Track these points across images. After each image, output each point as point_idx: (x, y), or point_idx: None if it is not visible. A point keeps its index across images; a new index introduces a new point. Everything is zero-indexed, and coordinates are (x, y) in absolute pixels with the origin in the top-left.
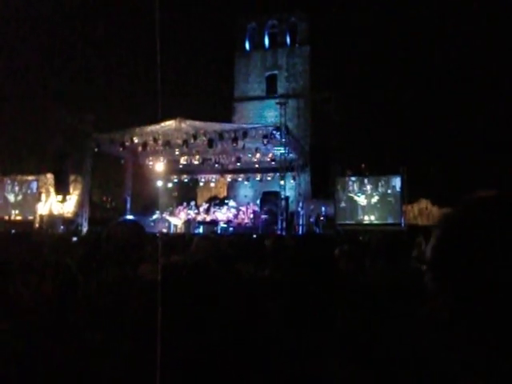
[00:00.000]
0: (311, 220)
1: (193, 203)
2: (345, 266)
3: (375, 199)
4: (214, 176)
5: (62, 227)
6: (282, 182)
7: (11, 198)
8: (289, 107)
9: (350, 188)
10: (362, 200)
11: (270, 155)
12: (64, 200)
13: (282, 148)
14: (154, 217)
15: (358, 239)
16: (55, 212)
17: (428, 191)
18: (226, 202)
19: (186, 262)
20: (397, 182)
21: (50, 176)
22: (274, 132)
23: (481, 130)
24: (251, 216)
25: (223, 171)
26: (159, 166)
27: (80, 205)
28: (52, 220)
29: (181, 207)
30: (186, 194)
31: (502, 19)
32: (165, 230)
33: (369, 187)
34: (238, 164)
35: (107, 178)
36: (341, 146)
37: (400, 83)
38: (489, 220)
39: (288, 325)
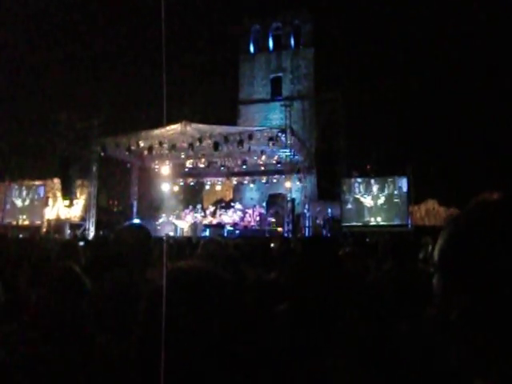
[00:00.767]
0: (317, 222)
1: (199, 206)
2: (350, 268)
3: (382, 200)
4: (220, 179)
5: (69, 232)
6: (287, 184)
7: (19, 203)
8: (294, 109)
9: (356, 189)
10: (368, 201)
11: (276, 157)
12: (71, 204)
13: (288, 150)
14: (161, 220)
15: (365, 241)
16: (62, 216)
17: (435, 191)
18: (232, 204)
19: (193, 266)
20: (403, 182)
21: (56, 181)
22: (280, 134)
23: (488, 129)
24: (257, 219)
25: (229, 174)
26: (165, 169)
27: (87, 209)
28: (59, 224)
29: (187, 210)
30: (192, 197)
31: (502, 19)
32: (171, 234)
33: (375, 188)
34: (244, 167)
35: (113, 182)
36: (346, 148)
37: (405, 84)
38: (497, 222)
39: (294, 327)
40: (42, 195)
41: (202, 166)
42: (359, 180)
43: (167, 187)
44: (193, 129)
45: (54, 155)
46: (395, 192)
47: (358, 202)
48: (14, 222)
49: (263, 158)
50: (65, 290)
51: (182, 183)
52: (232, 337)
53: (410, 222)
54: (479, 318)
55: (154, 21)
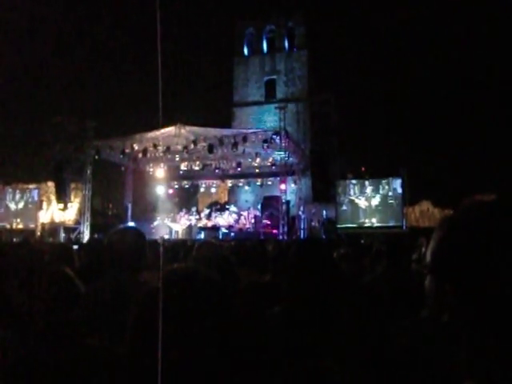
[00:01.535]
0: (312, 224)
1: (194, 209)
2: (345, 269)
3: (376, 202)
4: (215, 181)
5: (63, 235)
6: (282, 187)
7: (12, 206)
8: (288, 111)
9: (351, 191)
10: (363, 203)
11: (271, 160)
12: (65, 208)
13: (282, 152)
14: (155, 223)
15: (360, 242)
16: (56, 220)
17: (429, 193)
18: (227, 207)
19: (186, 268)
20: (398, 184)
21: (50, 184)
22: (274, 136)
23: (482, 131)
24: (252, 221)
25: (224, 176)
26: (160, 172)
27: (81, 212)
28: (53, 228)
29: (182, 213)
30: (186, 199)
31: (501, 20)
32: (166, 236)
33: (370, 190)
34: (239, 169)
35: (108, 185)
36: (341, 149)
37: (399, 85)
38: (488, 223)
39: (289, 328)
40: (36, 199)
41: (196, 168)
42: (354, 182)
43: (162, 190)
44: (187, 131)
45: (48, 158)
46: (390, 193)
47: (352, 203)
48: (8, 226)
49: (258, 160)
50: (57, 294)
51: (176, 186)
52: (225, 338)
53: (404, 223)
54: (470, 319)
55: (148, 24)
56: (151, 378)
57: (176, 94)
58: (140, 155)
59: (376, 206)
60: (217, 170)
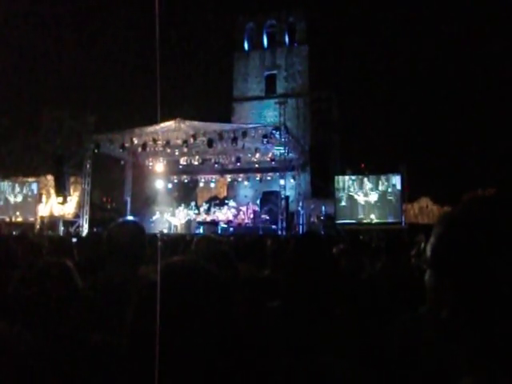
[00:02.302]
0: (311, 219)
1: (193, 203)
2: (344, 265)
3: (375, 198)
4: (214, 176)
5: (62, 228)
6: (281, 182)
7: (12, 199)
8: (288, 107)
9: (350, 187)
10: (362, 198)
11: (270, 155)
12: (64, 201)
13: (282, 148)
14: (155, 217)
15: (359, 238)
16: (56, 213)
17: (429, 189)
18: (226, 202)
19: (184, 261)
20: (397, 180)
21: (50, 177)
22: (274, 132)
23: (481, 127)
24: (251, 216)
25: (223, 171)
26: (159, 166)
27: (80, 206)
28: (52, 221)
29: (181, 208)
30: (186, 194)
31: (500, 20)
32: (165, 231)
33: (369, 186)
34: (238, 164)
35: (107, 179)
36: (340, 145)
37: (399, 81)
38: (488, 219)
39: (288, 323)
40: (35, 192)
41: (196, 163)
42: (353, 177)
43: (161, 184)
44: (187, 126)
45: (47, 152)
46: (389, 189)
47: (351, 199)
48: (7, 219)
49: (257, 155)
50: (57, 286)
51: (176, 180)
52: (224, 332)
53: (403, 219)
54: (469, 315)
55: (148, 18)
56: (150, 372)
57: (176, 88)
58: (139, 149)
59: (375, 202)
60: (216, 165)
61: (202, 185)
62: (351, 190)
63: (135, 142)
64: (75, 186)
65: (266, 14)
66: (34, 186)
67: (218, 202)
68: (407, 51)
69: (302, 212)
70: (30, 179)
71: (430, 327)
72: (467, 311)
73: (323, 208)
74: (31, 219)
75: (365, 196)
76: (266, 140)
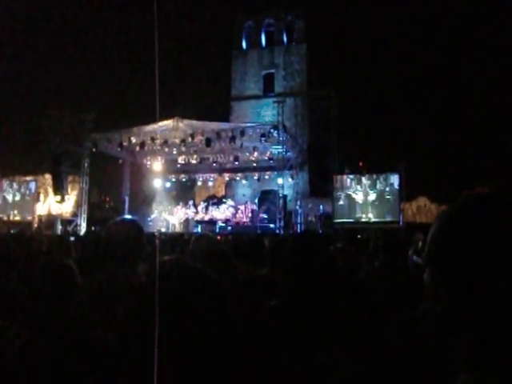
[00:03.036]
0: (309, 218)
1: (191, 202)
2: (342, 264)
3: (373, 197)
4: (212, 175)
5: (60, 227)
6: (279, 181)
7: (10, 198)
8: (286, 106)
9: (348, 186)
10: (360, 197)
11: (268, 154)
12: (62, 200)
13: (280, 146)
14: (153, 216)
15: (356, 237)
16: (54, 212)
17: (426, 189)
18: (224, 201)
19: (176, 261)
20: (395, 179)
21: (48, 176)
22: (272, 130)
23: (479, 126)
24: (249, 215)
25: (221, 170)
26: (157, 165)
27: (78, 205)
28: (50, 220)
29: (179, 206)
30: (184, 193)
31: (497, 21)
32: (163, 230)
33: (367, 184)
34: (236, 163)
35: (105, 178)
36: (339, 144)
37: (398, 80)
38: (484, 217)
39: (286, 322)
40: (33, 191)
41: (194, 162)
42: (351, 176)
43: (159, 183)
44: (185, 125)
45: (45, 151)
46: (387, 188)
47: (349, 198)
48: (5, 218)
49: (255, 154)
50: (57, 284)
51: (174, 179)
52: (219, 331)
53: (401, 218)
54: (465, 312)
55: (146, 16)
56: (143, 369)
57: (174, 87)
58: (138, 148)
59: (373, 201)
60: (214, 164)
61: (200, 184)
62: (349, 188)
63: (133, 140)
64: (73, 184)
65: (264, 13)
66: (32, 185)
67: (216, 200)
68: (406, 50)
69: (299, 211)
70: (28, 178)
71: (427, 325)
72: (463, 308)
73: (321, 207)
74: (29, 218)
75: (363, 195)
76: (264, 139)
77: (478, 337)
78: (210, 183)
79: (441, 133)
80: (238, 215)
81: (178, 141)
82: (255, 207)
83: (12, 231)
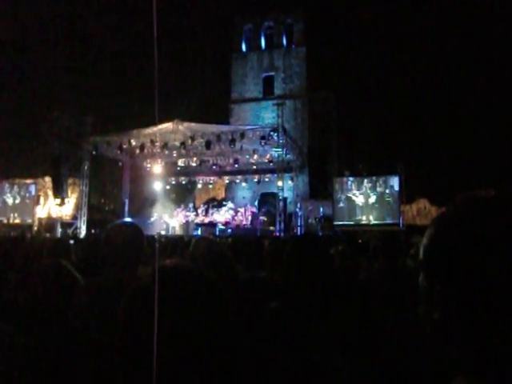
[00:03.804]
0: (309, 221)
1: (191, 205)
2: (341, 266)
3: (373, 199)
4: (212, 178)
5: (60, 230)
6: (279, 183)
7: (10, 201)
8: (286, 108)
9: (348, 188)
10: (360, 200)
11: (268, 156)
12: (62, 203)
13: (280, 149)
14: (152, 219)
15: (357, 240)
16: (54, 215)
17: (426, 191)
18: (224, 203)
19: (177, 264)
20: (395, 181)
21: (48, 179)
22: (272, 133)
23: (479, 128)
24: (249, 217)
25: (221, 173)
26: (157, 168)
27: (78, 208)
28: (50, 223)
29: (179, 209)
30: (184, 195)
31: (494, 21)
32: (163, 232)
33: (367, 187)
34: (236, 165)
35: (105, 180)
36: (338, 147)
37: (397, 83)
38: (480, 220)
39: (286, 324)
40: (33, 193)
41: (194, 164)
42: (351, 179)
43: (159, 186)
44: (185, 127)
45: (45, 153)
46: (387, 191)
47: (349, 200)
48: (5, 221)
49: (255, 156)
50: (56, 286)
51: (173, 182)
52: (218, 333)
53: (401, 221)
54: (460, 317)
55: (146, 19)
56: (143, 371)
57: (174, 90)
58: (137, 151)
59: (373, 203)
60: (214, 167)
61: (199, 186)
62: (349, 191)
63: (133, 143)
64: (73, 187)
65: (264, 16)
66: (32, 188)
67: (216, 203)
68: (405, 52)
69: (299, 213)
70: (28, 181)
71: (424, 328)
72: (458, 313)
73: (321, 209)
74: (29, 221)
75: (363, 197)
76: (263, 141)
77: (473, 342)
78: (210, 186)
79: (440, 135)
80: (237, 218)
81: (177, 143)
82: (255, 210)
83: (12, 234)
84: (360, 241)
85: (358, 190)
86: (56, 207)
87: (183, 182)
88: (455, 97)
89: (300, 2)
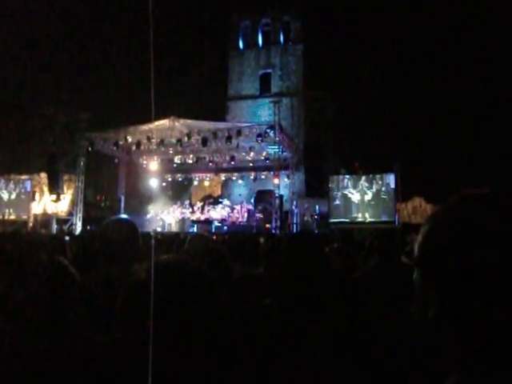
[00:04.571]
0: (305, 218)
1: (187, 202)
2: (336, 264)
3: (369, 196)
4: (209, 175)
5: (55, 226)
6: (276, 181)
7: (5, 197)
8: (283, 106)
9: (344, 186)
10: (355, 197)
11: (264, 154)
12: (58, 199)
13: (276, 146)
14: (148, 216)
15: (352, 237)
16: (49, 211)
17: (422, 189)
18: (220, 200)
19: (175, 259)
20: (391, 179)
21: (43, 175)
22: (268, 130)
23: (474, 127)
24: (245, 215)
25: (217, 170)
26: (153, 164)
27: (74, 204)
28: (46, 219)
29: (175, 206)
30: (180, 192)
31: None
32: (159, 229)
33: (363, 185)
34: (232, 163)
35: (101, 177)
36: (335, 144)
37: (394, 81)
38: (475, 218)
39: (280, 321)
40: (28, 189)
41: (190, 161)
42: (347, 176)
43: (155, 182)
44: (181, 124)
45: (41, 149)
46: (383, 188)
47: (345, 198)
48: (0, 217)
49: (252, 154)
50: (54, 283)
51: (170, 179)
52: (213, 329)
53: (397, 219)
54: (454, 315)
55: (142, 16)
56: (139, 367)
57: (170, 86)
58: (133, 147)
59: (369, 200)
60: (210, 164)
61: (196, 183)
62: (345, 188)
63: (129, 140)
64: (69, 183)
65: (261, 13)
66: (28, 184)
67: (212, 200)
68: (402, 51)
69: (295, 211)
70: (23, 177)
71: (419, 326)
72: (452, 311)
73: (317, 207)
74: (24, 217)
75: (359, 195)
76: (260, 139)
77: (468, 340)
78: (206, 183)
79: (436, 133)
80: (233, 215)
81: (174, 140)
82: (251, 207)
83: (7, 230)
84: (355, 236)
85: (354, 187)
86: (51, 203)
87: (179, 179)
88: (452, 96)
89: None
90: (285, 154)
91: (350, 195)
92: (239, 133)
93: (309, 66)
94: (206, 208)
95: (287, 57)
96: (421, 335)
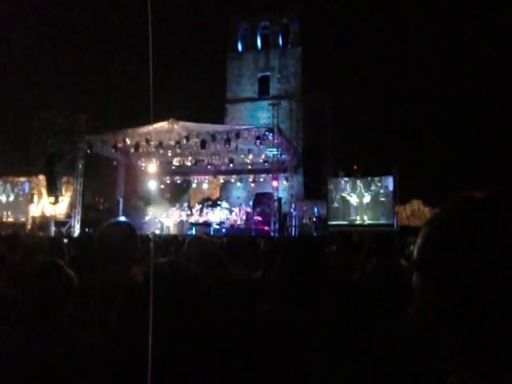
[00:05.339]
0: (304, 221)
1: (185, 204)
2: (336, 267)
3: (368, 199)
4: (207, 177)
5: (54, 229)
6: (274, 183)
7: (3, 199)
8: (281, 108)
9: (343, 188)
10: (354, 200)
11: (263, 156)
12: (56, 201)
13: (275, 149)
14: (147, 218)
15: (350, 240)
16: (47, 214)
17: (420, 192)
18: (218, 203)
19: (170, 263)
20: (389, 182)
21: (42, 177)
22: (267, 133)
23: (473, 130)
24: (244, 217)
25: (216, 172)
26: (152, 167)
27: (72, 206)
28: (44, 222)
29: (173, 208)
30: (178, 195)
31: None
32: (157, 232)
33: (361, 187)
34: (231, 165)
35: (99, 179)
36: (333, 147)
37: (392, 83)
38: (474, 221)
39: (279, 325)
40: (26, 192)
41: (188, 164)
42: (346, 179)
43: (154, 185)
44: (180, 127)
45: (39, 152)
46: (381, 191)
47: (344, 200)
48: None
49: (250, 156)
50: (52, 285)
51: (168, 181)
52: (210, 333)
53: (395, 221)
54: (452, 318)
55: (141, 18)
56: (136, 371)
57: (169, 89)
58: (132, 150)
59: (367, 203)
60: (209, 166)
61: (194, 186)
62: (344, 191)
63: (128, 142)
64: (67, 186)
65: (260, 16)
66: (26, 186)
67: (211, 203)
68: (400, 54)
69: (294, 213)
70: (22, 179)
71: (417, 328)
72: (451, 314)
73: (315, 209)
74: (22, 219)
75: (357, 197)
76: (258, 141)
77: (466, 342)
78: (205, 185)
79: (435, 137)
80: (232, 217)
81: (172, 143)
82: (250, 210)
83: (5, 232)
84: (353, 239)
85: (353, 190)
86: (50, 206)
87: (178, 182)
88: (450, 98)
89: (296, 1)
90: (283, 156)
91: (348, 198)
92: (238, 135)
93: (308, 69)
94: (205, 210)
95: (286, 59)
96: (419, 337)
